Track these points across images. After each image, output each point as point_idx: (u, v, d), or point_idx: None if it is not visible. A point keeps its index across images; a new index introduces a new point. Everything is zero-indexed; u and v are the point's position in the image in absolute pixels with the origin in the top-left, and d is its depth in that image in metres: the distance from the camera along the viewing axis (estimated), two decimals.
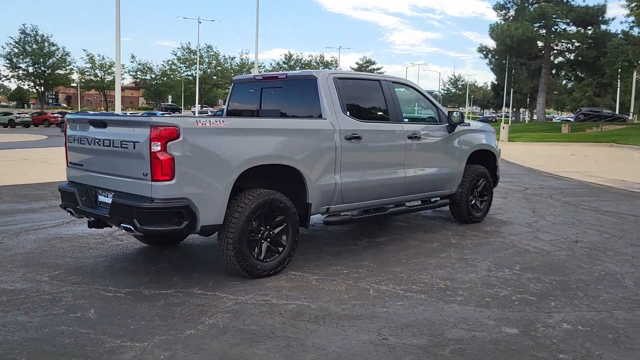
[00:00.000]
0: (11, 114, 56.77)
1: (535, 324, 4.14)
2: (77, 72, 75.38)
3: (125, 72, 78.66)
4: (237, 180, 5.06)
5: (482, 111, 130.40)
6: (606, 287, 5.06)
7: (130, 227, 4.65)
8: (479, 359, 3.56)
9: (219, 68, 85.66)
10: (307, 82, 5.99)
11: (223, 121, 4.92)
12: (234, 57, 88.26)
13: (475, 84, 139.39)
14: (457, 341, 3.82)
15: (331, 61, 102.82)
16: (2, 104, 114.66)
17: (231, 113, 6.93)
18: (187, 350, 3.63)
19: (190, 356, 3.55)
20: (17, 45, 67.50)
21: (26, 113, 57.93)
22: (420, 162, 6.81)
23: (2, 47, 72.19)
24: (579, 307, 4.51)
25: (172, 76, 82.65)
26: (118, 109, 20.81)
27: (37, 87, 71.98)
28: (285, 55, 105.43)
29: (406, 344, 3.77)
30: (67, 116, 5.72)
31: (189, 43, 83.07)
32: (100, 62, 75.45)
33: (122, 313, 4.29)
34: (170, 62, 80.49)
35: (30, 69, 69.77)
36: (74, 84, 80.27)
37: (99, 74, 76.88)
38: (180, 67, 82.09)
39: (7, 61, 67.75)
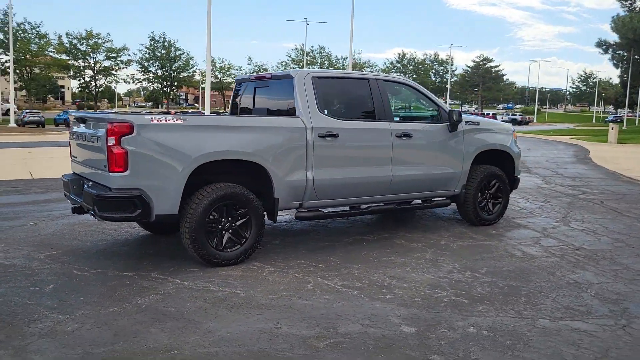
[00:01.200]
0: (139, 112, 62.11)
1: (440, 326, 4.06)
2: (199, 74, 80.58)
3: (241, 73, 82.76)
4: (205, 174, 5.45)
5: (616, 110, 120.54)
6: (559, 296, 4.77)
7: (92, 213, 5.20)
8: (348, 353, 3.61)
9: (331, 68, 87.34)
10: (286, 82, 6.22)
11: (180, 118, 5.31)
12: (346, 57, 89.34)
13: (610, 81, 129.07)
14: (343, 335, 3.88)
15: (446, 59, 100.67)
16: (140, 103, 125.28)
17: (233, 110, 7.33)
18: (95, 324, 4.05)
19: (93, 329, 3.96)
20: (148, 51, 73.65)
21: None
22: (412, 161, 6.74)
23: (135, 53, 79.79)
24: (504, 313, 4.34)
25: None
26: (207, 109, 22.15)
27: (164, 89, 77.98)
28: (399, 54, 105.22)
29: (292, 333, 3.90)
30: (72, 114, 6.43)
31: (302, 44, 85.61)
32: (220, 64, 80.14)
33: (73, 290, 4.81)
34: (284, 64, 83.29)
35: (159, 72, 75.71)
36: (202, 85, 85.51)
37: (219, 76, 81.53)
38: (293, 67, 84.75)
39: (140, 66, 74.17)
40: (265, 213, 5.88)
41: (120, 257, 5.90)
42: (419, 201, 7.16)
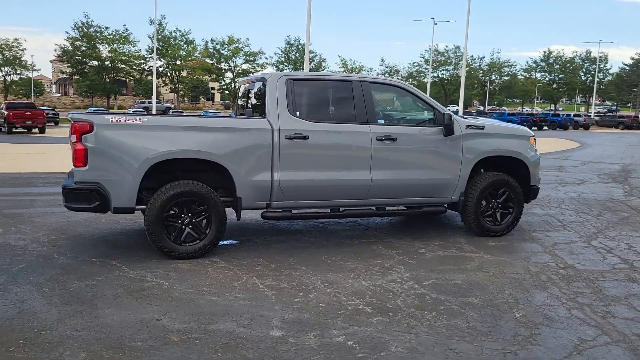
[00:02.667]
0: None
1: (311, 333, 3.99)
2: None
3: (372, 74, 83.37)
4: (176, 172, 5.84)
5: None
6: (477, 315, 4.41)
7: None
8: (191, 349, 3.71)
9: (467, 68, 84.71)
10: (261, 84, 6.37)
11: (140, 118, 5.70)
12: (483, 57, 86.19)
13: None
14: (207, 332, 3.98)
15: (600, 57, 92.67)
16: None
17: (239, 111, 7.64)
18: (14, 301, 4.53)
19: (7, 306, 4.42)
20: (282, 54, 77.06)
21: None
22: (397, 165, 6.51)
23: (271, 57, 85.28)
24: (393, 326, 4.13)
25: (417, 78, 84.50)
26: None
27: None
28: (544, 52, 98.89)
29: (164, 326, 4.08)
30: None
31: (437, 44, 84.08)
32: (351, 66, 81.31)
33: (34, 271, 5.35)
34: (415, 64, 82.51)
35: None
36: None
37: None
38: (426, 68, 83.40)
39: (275, 68, 77.70)
40: (233, 210, 6.11)
41: (107, 245, 6.42)
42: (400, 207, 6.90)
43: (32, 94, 72.31)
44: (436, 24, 58.05)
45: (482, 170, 7.25)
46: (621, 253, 6.37)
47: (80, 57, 67.81)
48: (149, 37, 68.65)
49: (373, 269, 5.61)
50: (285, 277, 5.28)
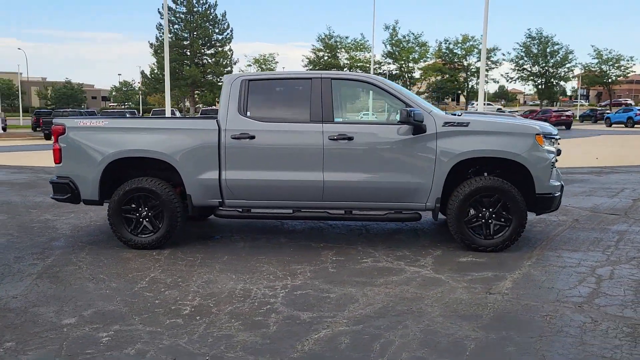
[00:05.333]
0: (503, 111, 60.97)
1: (94, 325, 4.13)
2: (580, 68, 74.24)
3: (633, 64, 72.65)
4: (144, 169, 6.47)
5: None
6: (275, 331, 3.98)
7: None
8: (10, 328, 4.21)
9: None
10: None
11: (102, 121, 6.41)
12: None
13: None
14: (23, 313, 4.42)
15: None
16: (532, 102, 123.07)
17: None
18: None
19: None
20: (522, 48, 72.16)
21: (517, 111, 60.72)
22: (354, 166, 6.03)
23: (509, 52, 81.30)
24: (175, 329, 4.02)
25: None
26: (480, 104, 21.27)
27: (539, 86, 74.78)
28: None
29: (5, 303, 4.65)
30: None
31: None
32: (606, 55, 71.90)
33: (27, 249, 6.41)
34: None
35: (534, 69, 73.24)
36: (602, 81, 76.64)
37: (605, 69, 73.20)
38: None
39: (514, 64, 73.33)
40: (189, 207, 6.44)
41: (102, 234, 7.24)
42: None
43: None
44: None
45: (486, 174, 6.24)
46: (608, 284, 4.87)
47: (323, 66, 73.68)
48: (383, 43, 71.36)
49: (276, 273, 5.37)
50: (182, 274, 5.41)
